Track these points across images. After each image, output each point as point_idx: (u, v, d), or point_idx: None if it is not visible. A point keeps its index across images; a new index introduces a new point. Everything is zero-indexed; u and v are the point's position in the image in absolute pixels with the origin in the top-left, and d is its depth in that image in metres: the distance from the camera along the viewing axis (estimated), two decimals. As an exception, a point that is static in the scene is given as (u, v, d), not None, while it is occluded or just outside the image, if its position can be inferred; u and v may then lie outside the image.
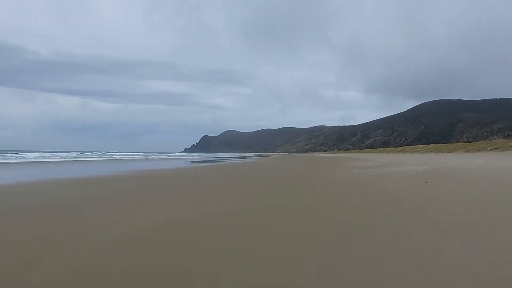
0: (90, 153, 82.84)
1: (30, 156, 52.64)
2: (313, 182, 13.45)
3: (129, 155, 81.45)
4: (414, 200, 7.73)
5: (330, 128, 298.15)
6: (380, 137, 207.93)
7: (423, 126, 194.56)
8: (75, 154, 75.58)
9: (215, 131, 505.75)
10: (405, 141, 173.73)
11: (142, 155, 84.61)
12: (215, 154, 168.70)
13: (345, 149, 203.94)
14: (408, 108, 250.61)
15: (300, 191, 10.44)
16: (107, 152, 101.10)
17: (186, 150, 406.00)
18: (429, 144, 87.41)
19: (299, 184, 12.99)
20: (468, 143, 67.91)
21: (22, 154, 63.55)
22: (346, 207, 7.18)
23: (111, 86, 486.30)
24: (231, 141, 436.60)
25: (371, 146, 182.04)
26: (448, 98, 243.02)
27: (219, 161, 43.39)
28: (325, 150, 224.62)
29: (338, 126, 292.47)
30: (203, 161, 45.62)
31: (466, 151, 45.08)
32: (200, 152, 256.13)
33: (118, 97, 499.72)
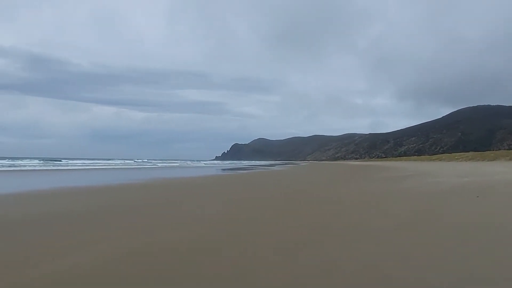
0: (133, 161, 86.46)
1: (78, 164, 55.73)
2: (330, 203, 10.24)
3: (168, 162, 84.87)
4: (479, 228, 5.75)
5: (361, 135, 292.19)
6: (414, 144, 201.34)
7: (460, 133, 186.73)
8: (119, 161, 79.33)
9: (245, 139, 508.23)
10: (441, 149, 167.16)
11: (179, 162, 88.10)
12: (245, 162, 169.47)
13: (377, 157, 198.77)
14: (443, 115, 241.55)
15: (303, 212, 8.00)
16: (148, 160, 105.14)
17: (217, 158, 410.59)
18: (468, 152, 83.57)
19: (309, 200, 10.64)
20: (511, 150, 64.21)
21: (65, 161, 66.75)
22: (377, 243, 4.98)
23: (145, 96, 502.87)
24: (261, 149, 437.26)
25: (405, 154, 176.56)
26: (486, 104, 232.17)
27: (246, 169, 43.62)
28: (356, 158, 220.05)
29: (370, 133, 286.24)
30: (230, 169, 46.03)
31: (510, 159, 42.51)
32: (231, 160, 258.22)
33: (152, 106, 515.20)
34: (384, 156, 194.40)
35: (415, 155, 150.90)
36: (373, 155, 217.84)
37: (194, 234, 5.62)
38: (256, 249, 4.70)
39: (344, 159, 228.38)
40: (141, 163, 70.07)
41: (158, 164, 65.62)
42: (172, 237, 5.39)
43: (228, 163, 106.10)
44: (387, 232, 5.60)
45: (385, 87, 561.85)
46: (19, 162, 52.70)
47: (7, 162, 49.44)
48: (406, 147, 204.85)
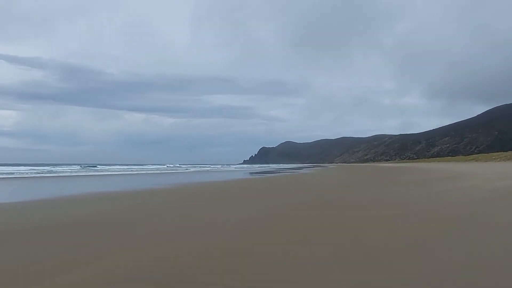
0: (166, 166, 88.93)
1: (116, 169, 57.82)
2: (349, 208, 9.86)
3: (199, 167, 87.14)
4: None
5: (391, 136, 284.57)
6: (448, 145, 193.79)
7: (497, 132, 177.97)
8: (152, 166, 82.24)
9: (272, 143, 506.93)
10: (477, 149, 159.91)
11: (210, 166, 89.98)
12: (273, 165, 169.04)
13: (408, 159, 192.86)
14: (478, 113, 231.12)
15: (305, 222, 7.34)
16: (180, 165, 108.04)
17: (245, 162, 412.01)
18: (506, 151, 79.30)
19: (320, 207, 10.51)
20: (552, 149, 60.21)
21: (103, 167, 69.20)
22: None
23: (174, 102, 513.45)
24: (288, 152, 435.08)
25: (438, 155, 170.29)
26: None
27: (273, 173, 43.26)
28: (386, 160, 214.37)
29: (400, 134, 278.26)
30: (257, 172, 45.82)
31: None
32: (259, 164, 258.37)
33: (181, 112, 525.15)
34: (416, 158, 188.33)
35: (449, 155, 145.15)
36: (404, 157, 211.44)
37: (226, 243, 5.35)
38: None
39: (374, 161, 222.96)
40: (174, 168, 72.21)
41: (191, 169, 67.37)
42: (197, 248, 5.15)
43: (257, 167, 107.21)
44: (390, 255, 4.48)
45: (414, 86, 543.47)
46: (59, 168, 55.19)
47: (48, 169, 51.72)
48: (439, 147, 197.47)
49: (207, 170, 58.16)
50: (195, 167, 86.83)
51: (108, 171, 50.08)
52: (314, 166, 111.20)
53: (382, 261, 4.25)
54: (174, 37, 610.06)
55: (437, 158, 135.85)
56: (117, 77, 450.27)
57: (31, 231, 6.56)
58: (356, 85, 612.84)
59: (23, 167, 58.94)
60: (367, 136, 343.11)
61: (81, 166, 69.21)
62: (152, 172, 48.02)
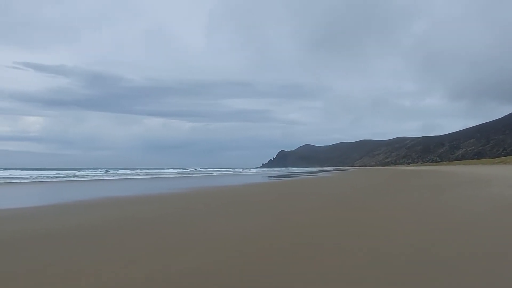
0: (188, 170, 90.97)
1: (140, 173, 59.03)
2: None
3: (220, 171, 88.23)
4: None
5: (413, 139, 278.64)
6: (473, 147, 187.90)
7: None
8: (175, 170, 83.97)
9: (291, 146, 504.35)
10: (504, 151, 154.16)
11: (231, 170, 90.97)
12: (292, 169, 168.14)
13: (431, 162, 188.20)
14: (504, 114, 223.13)
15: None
16: (202, 169, 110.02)
17: (263, 165, 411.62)
18: (535, 153, 75.95)
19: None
20: None
21: (123, 171, 70.67)
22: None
23: (192, 107, 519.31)
24: (307, 155, 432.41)
25: (462, 158, 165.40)
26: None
27: (291, 176, 42.84)
28: (408, 163, 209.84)
29: (422, 136, 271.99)
30: (275, 176, 45.53)
31: None
32: (277, 167, 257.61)
33: (200, 116, 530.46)
34: (439, 160, 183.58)
35: (474, 158, 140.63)
36: (426, 160, 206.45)
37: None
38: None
39: (395, 164, 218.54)
40: (196, 172, 73.21)
41: (213, 173, 68.72)
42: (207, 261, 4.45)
43: (276, 170, 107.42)
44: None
45: (435, 87, 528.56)
46: (82, 172, 56.99)
47: (73, 173, 53.20)
48: (463, 150, 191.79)
49: (230, 174, 58.89)
50: (216, 170, 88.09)
51: (131, 175, 50.93)
52: (333, 170, 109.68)
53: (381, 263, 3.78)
54: (191, 42, 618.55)
55: (462, 161, 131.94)
56: (137, 83, 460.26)
57: (25, 239, 5.90)
58: (374, 86, 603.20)
59: (48, 171, 60.67)
60: (387, 138, 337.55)
61: (106, 170, 70.94)
62: (174, 176, 48.61)
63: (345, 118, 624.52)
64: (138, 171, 74.11)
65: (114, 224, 7.68)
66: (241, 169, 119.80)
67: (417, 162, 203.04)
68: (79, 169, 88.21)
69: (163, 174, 54.81)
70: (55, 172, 55.59)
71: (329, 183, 27.03)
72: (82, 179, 36.96)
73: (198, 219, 8.19)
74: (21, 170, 66.46)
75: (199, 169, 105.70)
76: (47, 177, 38.13)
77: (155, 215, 9.05)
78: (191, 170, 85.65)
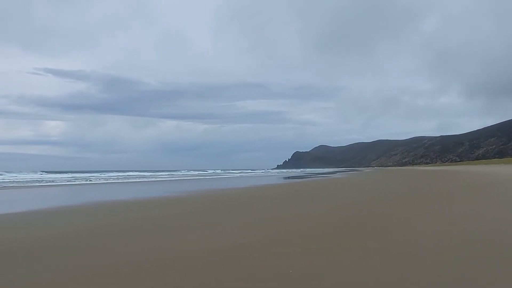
0: (206, 171, 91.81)
1: (163, 175, 59.80)
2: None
3: (239, 172, 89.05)
4: None
5: (431, 138, 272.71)
6: (494, 146, 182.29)
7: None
8: (194, 172, 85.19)
9: (306, 147, 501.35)
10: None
11: (251, 172, 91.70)
12: (306, 170, 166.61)
13: (450, 161, 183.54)
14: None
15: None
16: (224, 170, 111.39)
17: (278, 167, 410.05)
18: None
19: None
20: None
21: (139, 173, 71.25)
22: None
23: (207, 109, 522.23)
24: (322, 156, 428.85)
25: (483, 157, 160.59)
26: None
27: (304, 178, 41.90)
28: (426, 163, 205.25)
29: (441, 135, 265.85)
30: (289, 177, 44.72)
31: None
32: (292, 168, 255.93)
33: (215, 119, 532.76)
34: (458, 160, 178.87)
35: (495, 157, 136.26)
36: (445, 159, 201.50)
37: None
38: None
39: (413, 164, 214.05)
40: (215, 173, 73.74)
41: (236, 174, 70.37)
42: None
43: (299, 171, 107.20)
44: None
45: (450, 85, 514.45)
46: (100, 175, 57.77)
47: (87, 176, 53.82)
48: (484, 149, 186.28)
49: (245, 176, 59.55)
50: (232, 172, 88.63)
51: (150, 177, 50.99)
52: (348, 171, 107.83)
53: None
54: (204, 45, 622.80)
55: (483, 160, 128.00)
56: (153, 86, 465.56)
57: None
58: (387, 85, 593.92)
59: (64, 174, 61.28)
60: (404, 138, 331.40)
61: (123, 172, 71.89)
62: (194, 178, 48.72)
63: (359, 118, 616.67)
64: (158, 173, 74.82)
65: (70, 238, 6.50)
66: (262, 171, 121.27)
67: (436, 162, 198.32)
68: (99, 171, 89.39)
69: (184, 176, 55.35)
70: (70, 175, 56.05)
71: (341, 185, 25.91)
72: (95, 182, 36.78)
73: (185, 228, 7.32)
74: (37, 173, 67.26)
75: (220, 171, 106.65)
76: (58, 180, 38.21)
77: (135, 224, 8.02)
78: (212, 172, 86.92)
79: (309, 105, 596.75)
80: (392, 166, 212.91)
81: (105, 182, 36.55)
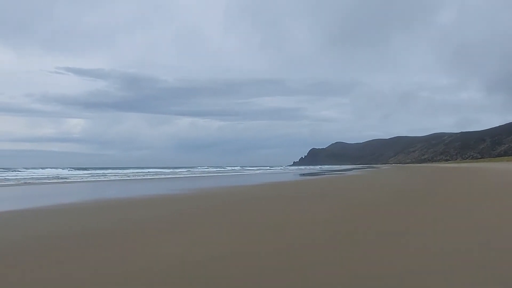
0: (228, 168, 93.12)
1: (183, 172, 60.82)
2: None
3: (257, 169, 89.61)
4: None
5: (451, 134, 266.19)
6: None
7: None
8: (214, 169, 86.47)
9: (322, 144, 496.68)
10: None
11: (270, 169, 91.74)
12: (322, 166, 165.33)
13: (471, 158, 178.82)
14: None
15: None
16: (242, 167, 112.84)
17: (294, 163, 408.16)
18: None
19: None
20: None
21: (159, 170, 72.52)
22: None
23: (224, 106, 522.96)
24: (339, 153, 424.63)
25: (505, 154, 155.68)
26: None
27: (318, 175, 41.45)
28: (446, 160, 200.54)
29: (461, 132, 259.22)
30: (303, 174, 44.33)
31: None
32: (308, 165, 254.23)
33: (231, 115, 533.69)
34: (479, 157, 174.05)
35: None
36: (466, 156, 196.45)
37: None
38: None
39: (432, 161, 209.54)
40: (236, 170, 75.14)
41: (255, 171, 70.78)
42: None
43: (318, 168, 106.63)
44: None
45: (469, 80, 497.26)
46: (119, 171, 58.97)
47: (103, 172, 55.22)
48: (507, 145, 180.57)
49: (269, 172, 60.23)
50: (251, 169, 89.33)
51: (170, 174, 51.63)
52: (365, 168, 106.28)
53: None
54: (221, 42, 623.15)
55: (505, 157, 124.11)
56: (171, 84, 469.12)
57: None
58: (404, 81, 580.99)
59: (82, 171, 62.62)
60: (423, 135, 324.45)
61: (142, 169, 73.33)
62: (211, 175, 49.17)
63: (376, 114, 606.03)
64: (177, 170, 75.93)
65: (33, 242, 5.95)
66: (279, 167, 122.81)
67: (456, 159, 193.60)
68: (120, 168, 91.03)
69: (201, 173, 55.84)
70: (88, 172, 57.26)
71: (351, 183, 25.44)
72: (108, 179, 37.29)
73: (165, 232, 6.66)
74: (58, 169, 68.88)
75: (239, 167, 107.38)
76: (72, 177, 38.96)
77: (113, 226, 7.40)
78: (231, 169, 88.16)
79: (325, 101, 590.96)
80: (411, 163, 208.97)
81: (117, 179, 36.97)
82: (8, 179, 33.95)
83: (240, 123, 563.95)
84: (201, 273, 4.02)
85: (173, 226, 7.40)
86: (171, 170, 75.74)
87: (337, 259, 4.45)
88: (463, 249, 4.85)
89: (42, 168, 73.81)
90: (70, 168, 73.85)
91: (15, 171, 56.38)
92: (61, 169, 65.71)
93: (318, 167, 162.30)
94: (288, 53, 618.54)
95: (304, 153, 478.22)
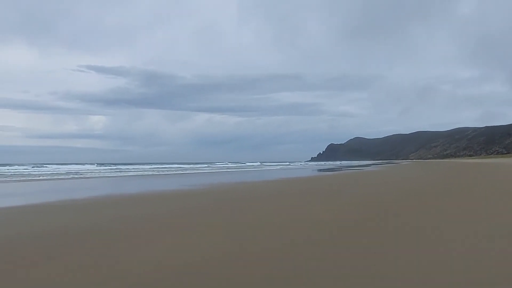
0: (247, 163, 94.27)
1: (202, 167, 62.66)
2: None
3: (278, 164, 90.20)
4: None
5: (475, 129, 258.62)
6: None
7: None
8: (239, 164, 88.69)
9: (341, 139, 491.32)
10: None
11: (289, 165, 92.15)
12: (340, 162, 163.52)
13: (497, 154, 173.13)
14: None
15: None
16: (262, 163, 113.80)
17: (312, 159, 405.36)
18: None
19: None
20: None
21: (179, 166, 73.70)
22: None
23: (243, 101, 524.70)
24: (358, 148, 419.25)
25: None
26: None
27: (333, 170, 40.81)
28: (470, 155, 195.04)
29: (485, 126, 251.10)
30: (320, 170, 43.76)
31: None
32: (326, 161, 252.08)
33: (250, 111, 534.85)
34: (505, 152, 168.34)
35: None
36: (491, 152, 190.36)
37: None
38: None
39: (455, 157, 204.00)
40: (255, 166, 75.93)
41: (275, 166, 71.92)
42: None
43: (338, 163, 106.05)
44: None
45: (493, 72, 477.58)
46: (138, 167, 60.63)
47: (132, 167, 56.64)
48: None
49: (288, 168, 60.92)
50: (270, 165, 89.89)
51: (191, 169, 52.28)
52: (385, 163, 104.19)
53: None
54: (236, 37, 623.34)
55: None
56: (189, 80, 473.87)
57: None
58: (425, 74, 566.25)
59: (108, 166, 64.01)
60: (445, 129, 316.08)
61: (162, 165, 74.77)
62: (229, 170, 49.39)
63: (396, 109, 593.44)
64: (197, 165, 77.19)
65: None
66: (299, 163, 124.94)
67: (480, 155, 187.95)
68: (137, 163, 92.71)
69: (219, 169, 56.27)
70: (106, 167, 58.43)
71: (366, 178, 24.79)
72: (128, 174, 37.76)
73: (152, 233, 6.10)
74: (79, 164, 70.54)
75: (258, 163, 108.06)
76: (93, 172, 39.67)
77: (103, 225, 6.86)
78: (250, 165, 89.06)
79: (343, 96, 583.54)
80: (432, 159, 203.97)
81: (134, 174, 37.33)
82: (32, 174, 34.87)
83: (258, 119, 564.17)
84: (184, 278, 3.74)
85: (167, 226, 6.74)
86: (191, 165, 76.65)
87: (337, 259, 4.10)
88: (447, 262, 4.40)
89: (69, 164, 76.12)
90: (97, 163, 75.49)
91: (42, 166, 58.08)
92: (88, 165, 67.29)
93: (338, 162, 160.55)
94: (304, 47, 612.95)
95: (322, 148, 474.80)
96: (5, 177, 30.65)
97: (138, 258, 4.39)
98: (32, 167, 53.34)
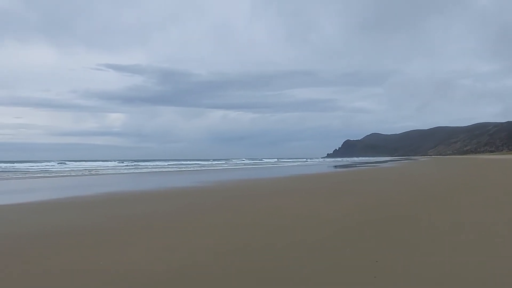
0: (264, 160, 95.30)
1: (220, 164, 63.60)
2: None
3: (293, 161, 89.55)
4: None
5: (496, 124, 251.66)
6: None
7: None
8: (251, 161, 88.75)
9: (357, 135, 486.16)
10: None
11: (306, 161, 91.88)
12: (356, 158, 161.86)
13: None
14: None
15: None
16: (278, 159, 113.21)
17: (328, 155, 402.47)
18: None
19: None
20: None
21: (196, 162, 74.70)
22: None
23: (257, 98, 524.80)
24: (375, 144, 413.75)
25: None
26: None
27: (349, 167, 40.53)
28: (491, 151, 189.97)
29: (508, 121, 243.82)
30: (335, 166, 43.56)
31: None
32: (342, 157, 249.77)
33: (265, 108, 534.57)
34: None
35: None
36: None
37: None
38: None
39: (475, 153, 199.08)
40: (272, 163, 75.83)
41: (291, 163, 71.85)
42: None
43: (358, 160, 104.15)
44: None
45: None
46: (157, 163, 61.64)
47: (150, 164, 57.70)
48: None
49: (305, 165, 60.68)
50: (287, 161, 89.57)
51: (206, 166, 52.71)
52: (403, 160, 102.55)
53: None
54: (249, 34, 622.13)
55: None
56: (204, 77, 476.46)
57: None
58: (443, 68, 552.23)
59: (148, 162, 65.42)
60: (465, 125, 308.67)
61: (178, 161, 75.85)
62: (246, 167, 49.70)
63: (413, 104, 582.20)
64: (215, 162, 77.80)
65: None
66: (317, 159, 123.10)
67: (502, 150, 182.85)
68: (154, 160, 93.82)
69: (236, 165, 56.68)
70: (123, 164, 59.69)
71: (377, 174, 24.63)
72: (143, 170, 38.45)
73: (149, 231, 5.94)
74: (96, 161, 72.08)
75: (275, 160, 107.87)
76: (108, 168, 40.55)
77: (101, 224, 6.80)
78: (267, 161, 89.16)
79: (359, 91, 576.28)
80: (452, 155, 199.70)
81: (150, 171, 37.96)
82: (50, 171, 35.98)
83: (273, 115, 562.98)
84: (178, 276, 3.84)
85: (169, 224, 6.67)
86: (209, 162, 77.17)
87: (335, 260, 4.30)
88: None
89: (92, 161, 77.93)
90: (119, 160, 76.74)
91: (62, 163, 59.69)
92: (111, 162, 68.67)
93: (355, 158, 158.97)
94: (318, 42, 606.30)
95: (338, 144, 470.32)
96: (32, 173, 31.72)
97: (129, 259, 4.33)
98: (58, 163, 55.46)
